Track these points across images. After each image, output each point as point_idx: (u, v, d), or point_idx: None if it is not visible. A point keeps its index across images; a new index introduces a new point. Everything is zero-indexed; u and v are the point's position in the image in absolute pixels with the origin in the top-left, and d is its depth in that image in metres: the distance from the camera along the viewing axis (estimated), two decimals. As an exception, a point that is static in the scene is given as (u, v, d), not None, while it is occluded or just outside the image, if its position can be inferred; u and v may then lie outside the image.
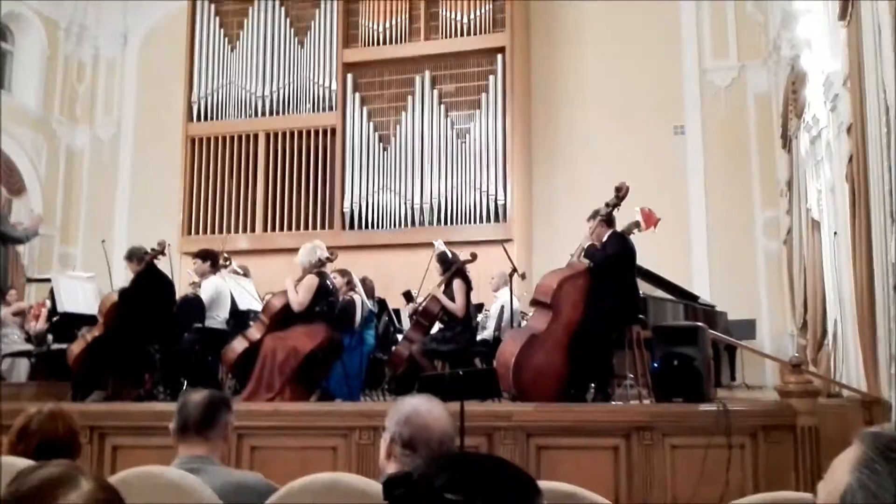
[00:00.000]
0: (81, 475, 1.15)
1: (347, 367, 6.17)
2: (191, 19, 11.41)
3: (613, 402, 5.10)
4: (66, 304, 6.19)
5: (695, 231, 10.41)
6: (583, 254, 5.39)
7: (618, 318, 5.12)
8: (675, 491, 4.24)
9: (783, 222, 9.36)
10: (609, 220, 5.31)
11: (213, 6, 11.46)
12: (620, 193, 5.34)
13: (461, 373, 4.07)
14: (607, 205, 5.35)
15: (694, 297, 8.63)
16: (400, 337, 7.36)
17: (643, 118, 10.71)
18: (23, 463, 2.35)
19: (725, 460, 4.18)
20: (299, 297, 5.65)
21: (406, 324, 7.85)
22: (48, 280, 7.36)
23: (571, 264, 5.41)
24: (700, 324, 5.26)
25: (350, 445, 4.55)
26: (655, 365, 4.88)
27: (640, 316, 5.52)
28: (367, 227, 10.39)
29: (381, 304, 7.80)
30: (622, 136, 10.71)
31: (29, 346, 7.23)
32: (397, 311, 8.07)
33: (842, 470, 0.99)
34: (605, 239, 5.26)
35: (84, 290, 6.46)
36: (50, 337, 6.81)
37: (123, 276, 7.30)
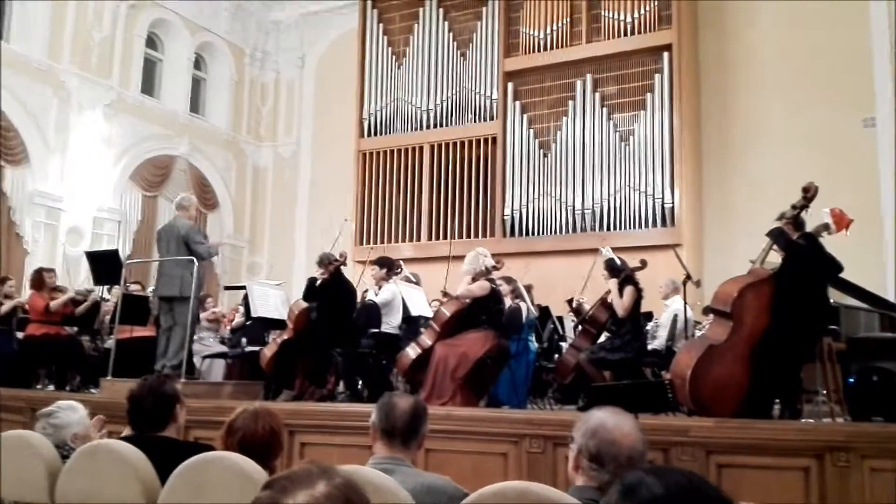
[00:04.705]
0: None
1: (515, 374, 6.23)
2: (361, 40, 12.09)
3: (803, 420, 4.74)
4: (259, 310, 6.73)
5: (889, 232, 9.45)
6: (772, 241, 5.01)
7: (807, 328, 4.75)
8: (877, 519, 3.88)
9: None
10: (798, 223, 4.94)
11: (381, 26, 12.05)
12: (808, 194, 4.94)
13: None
14: (794, 207, 4.97)
15: (891, 306, 7.82)
16: (564, 345, 7.29)
17: (827, 109, 9.92)
18: (234, 457, 2.58)
19: (936, 488, 3.76)
20: (469, 287, 5.81)
21: (569, 331, 7.77)
22: (241, 287, 8.03)
23: (753, 271, 5.08)
24: (903, 336, 4.77)
25: (520, 453, 4.56)
26: (851, 380, 4.49)
27: (833, 326, 5.10)
28: (528, 233, 10.43)
29: (545, 311, 7.78)
30: (803, 129, 9.98)
31: (224, 349, 7.94)
32: (560, 319, 8.01)
33: None
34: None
35: (274, 297, 7.00)
36: (244, 340, 7.45)
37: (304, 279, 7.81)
